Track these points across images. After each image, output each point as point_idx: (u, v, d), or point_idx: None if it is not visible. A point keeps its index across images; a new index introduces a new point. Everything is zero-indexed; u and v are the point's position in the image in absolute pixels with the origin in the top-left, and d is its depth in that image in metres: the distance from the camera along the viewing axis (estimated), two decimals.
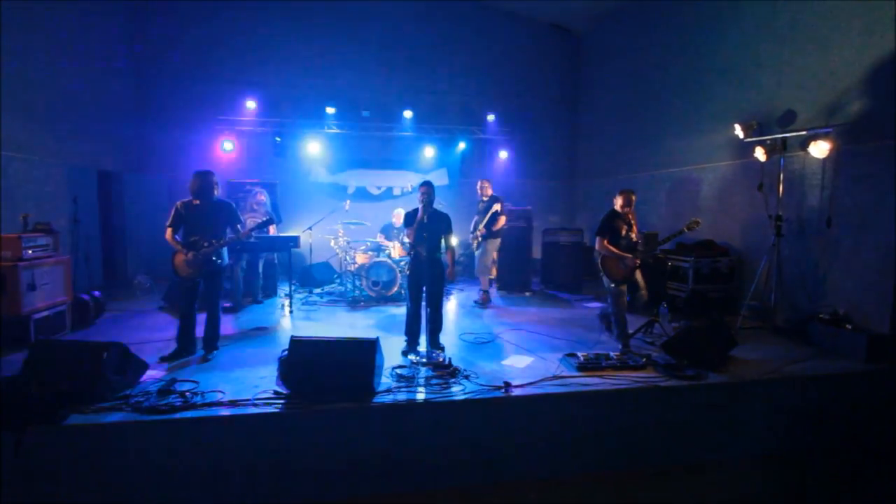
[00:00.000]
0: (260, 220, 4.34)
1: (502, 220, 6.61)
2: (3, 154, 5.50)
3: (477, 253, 6.74)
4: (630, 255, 4.46)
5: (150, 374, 3.64)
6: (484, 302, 6.57)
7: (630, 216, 4.64)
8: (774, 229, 5.06)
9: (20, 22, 5.79)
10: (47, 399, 2.88)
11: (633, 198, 4.63)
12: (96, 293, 5.69)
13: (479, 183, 6.88)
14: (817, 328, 4.56)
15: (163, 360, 4.00)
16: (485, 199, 6.71)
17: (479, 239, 6.66)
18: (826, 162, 4.79)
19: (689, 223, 4.56)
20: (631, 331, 4.91)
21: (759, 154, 5.23)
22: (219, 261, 4.18)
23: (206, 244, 4.05)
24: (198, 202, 4.10)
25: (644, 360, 4.02)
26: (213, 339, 4.28)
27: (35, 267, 4.52)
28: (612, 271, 4.53)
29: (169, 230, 4.10)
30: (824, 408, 3.85)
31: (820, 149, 4.66)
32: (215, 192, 4.17)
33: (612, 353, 4.10)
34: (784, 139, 5.07)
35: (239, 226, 4.27)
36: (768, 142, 5.23)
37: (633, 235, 4.59)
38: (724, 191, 6.28)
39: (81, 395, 3.06)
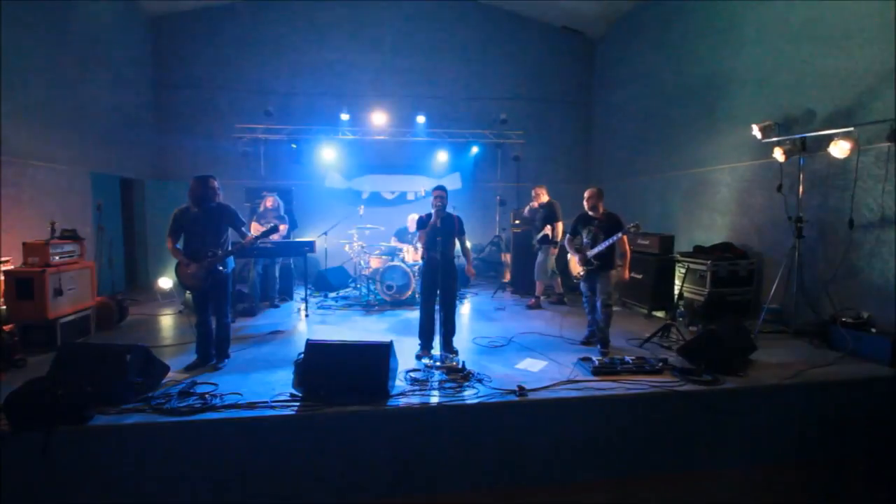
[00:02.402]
0: (268, 226, 4.17)
1: (548, 228, 6.51)
2: (31, 163, 5.71)
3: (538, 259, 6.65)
4: (578, 254, 4.69)
5: (171, 376, 3.73)
6: (533, 305, 6.63)
7: (601, 217, 4.62)
8: (795, 231, 4.95)
9: (44, 34, 6.01)
10: (73, 400, 2.97)
11: (592, 199, 4.65)
12: (119, 297, 5.85)
13: (533, 191, 6.81)
14: (840, 332, 4.44)
15: (185, 370, 3.94)
16: (540, 206, 6.66)
17: (537, 245, 6.66)
18: (847, 162, 4.69)
19: (631, 225, 4.56)
20: (647, 335, 4.88)
21: (778, 155, 5.13)
22: (224, 269, 4.02)
23: (209, 254, 3.90)
24: (196, 209, 3.93)
25: (661, 364, 3.97)
26: (223, 347, 4.19)
27: (61, 272, 4.66)
28: (570, 266, 4.96)
29: (169, 240, 3.94)
30: (847, 413, 3.74)
31: (841, 149, 4.56)
32: (216, 198, 4.00)
33: (627, 357, 4.06)
34: (804, 139, 4.97)
35: (244, 228, 4.10)
36: (787, 142, 5.13)
37: (600, 239, 4.52)
38: (742, 192, 6.18)
39: (106, 396, 3.15)
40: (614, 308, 6.51)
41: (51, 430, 2.84)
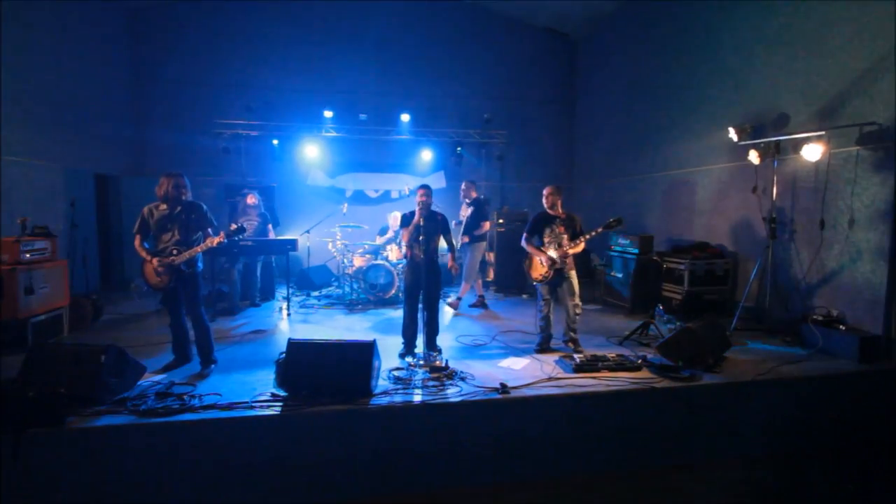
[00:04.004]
0: (247, 224, 4.03)
1: (487, 224, 6.49)
2: (2, 158, 5.51)
3: (464, 258, 6.49)
4: (544, 254, 4.39)
5: (148, 376, 3.65)
6: (479, 304, 6.59)
7: (561, 214, 4.48)
8: (768, 231, 5.11)
9: (19, 25, 5.81)
10: (45, 402, 2.89)
11: (552, 197, 4.49)
12: (94, 296, 5.70)
13: (463, 184, 6.76)
14: (811, 329, 4.59)
15: (162, 370, 3.86)
16: (468, 200, 6.59)
17: (462, 242, 6.50)
18: (819, 165, 4.84)
19: (609, 222, 4.36)
20: (626, 333, 4.96)
21: (753, 157, 5.27)
22: (188, 269, 3.87)
23: (174, 251, 3.80)
24: (165, 206, 3.85)
25: (639, 361, 4.05)
26: (207, 350, 3.99)
27: (33, 270, 4.52)
28: (530, 269, 4.62)
29: (137, 237, 3.86)
30: (818, 408, 3.88)
31: (812, 152, 4.71)
32: (184, 195, 3.89)
33: (608, 355, 4.13)
34: (777, 142, 5.12)
35: (210, 229, 3.95)
36: (762, 145, 5.27)
37: (564, 238, 4.39)
38: (718, 193, 6.33)
39: (79, 398, 3.07)
40: (597, 307, 6.69)
41: (22, 433, 2.76)
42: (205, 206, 4.02)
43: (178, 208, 3.87)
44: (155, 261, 3.81)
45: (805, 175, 5.08)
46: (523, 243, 4.60)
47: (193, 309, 3.98)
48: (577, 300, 4.49)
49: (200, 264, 4.06)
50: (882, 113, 4.36)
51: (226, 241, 3.91)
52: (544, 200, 4.54)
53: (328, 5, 9.07)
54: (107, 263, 7.97)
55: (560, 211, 4.51)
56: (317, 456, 3.14)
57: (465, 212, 6.59)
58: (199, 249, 3.85)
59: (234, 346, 4.71)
